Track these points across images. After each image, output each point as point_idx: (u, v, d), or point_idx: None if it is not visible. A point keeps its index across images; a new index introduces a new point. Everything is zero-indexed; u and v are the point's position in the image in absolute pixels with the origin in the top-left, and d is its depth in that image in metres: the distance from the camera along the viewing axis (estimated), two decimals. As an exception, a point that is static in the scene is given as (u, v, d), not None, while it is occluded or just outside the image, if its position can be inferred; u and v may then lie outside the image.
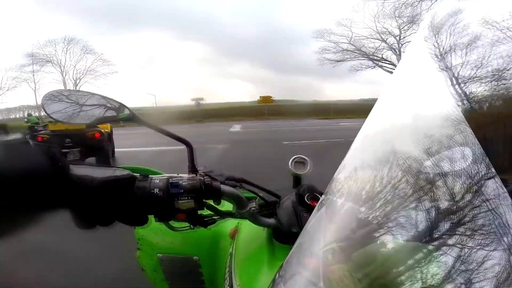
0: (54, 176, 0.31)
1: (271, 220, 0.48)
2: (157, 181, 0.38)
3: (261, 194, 0.50)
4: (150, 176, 0.40)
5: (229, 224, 0.68)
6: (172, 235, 0.69)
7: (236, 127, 15.25)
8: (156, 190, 0.37)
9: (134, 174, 0.39)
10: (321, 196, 0.45)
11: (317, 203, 0.44)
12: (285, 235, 0.49)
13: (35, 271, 1.85)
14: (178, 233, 0.70)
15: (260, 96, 25.87)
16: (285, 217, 0.46)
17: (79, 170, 0.35)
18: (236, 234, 0.63)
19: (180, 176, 0.40)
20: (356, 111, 18.43)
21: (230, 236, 0.65)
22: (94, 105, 0.42)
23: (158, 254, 0.71)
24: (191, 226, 0.42)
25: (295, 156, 0.65)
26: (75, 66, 23.65)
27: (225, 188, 0.42)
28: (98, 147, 4.76)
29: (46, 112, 0.40)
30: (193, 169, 0.46)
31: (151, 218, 0.40)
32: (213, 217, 0.44)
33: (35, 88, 22.18)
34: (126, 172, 0.39)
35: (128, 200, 0.37)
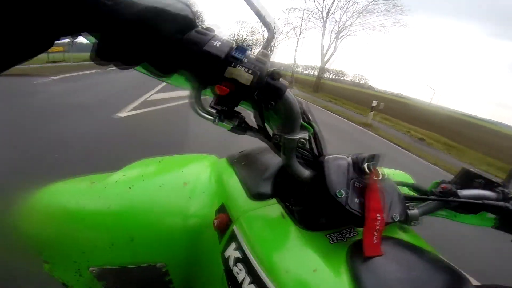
0: None
1: (308, 172, 0.39)
2: (221, 37, 0.29)
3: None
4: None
5: (205, 208, 0.49)
6: (111, 239, 0.45)
7: None
8: (217, 43, 0.28)
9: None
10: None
11: (376, 176, 0.36)
12: (311, 220, 0.40)
13: None
14: (122, 237, 0.44)
15: None
16: (332, 174, 0.36)
17: None
18: (229, 224, 0.44)
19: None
20: None
21: (216, 228, 0.45)
22: None
23: (90, 268, 0.46)
24: (219, 117, 0.31)
25: None
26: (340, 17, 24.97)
27: (289, 95, 0.32)
28: None
29: None
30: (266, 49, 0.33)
31: None
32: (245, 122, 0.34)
33: (299, 36, 24.21)
34: (185, 7, 0.28)
35: (173, 40, 0.28)
